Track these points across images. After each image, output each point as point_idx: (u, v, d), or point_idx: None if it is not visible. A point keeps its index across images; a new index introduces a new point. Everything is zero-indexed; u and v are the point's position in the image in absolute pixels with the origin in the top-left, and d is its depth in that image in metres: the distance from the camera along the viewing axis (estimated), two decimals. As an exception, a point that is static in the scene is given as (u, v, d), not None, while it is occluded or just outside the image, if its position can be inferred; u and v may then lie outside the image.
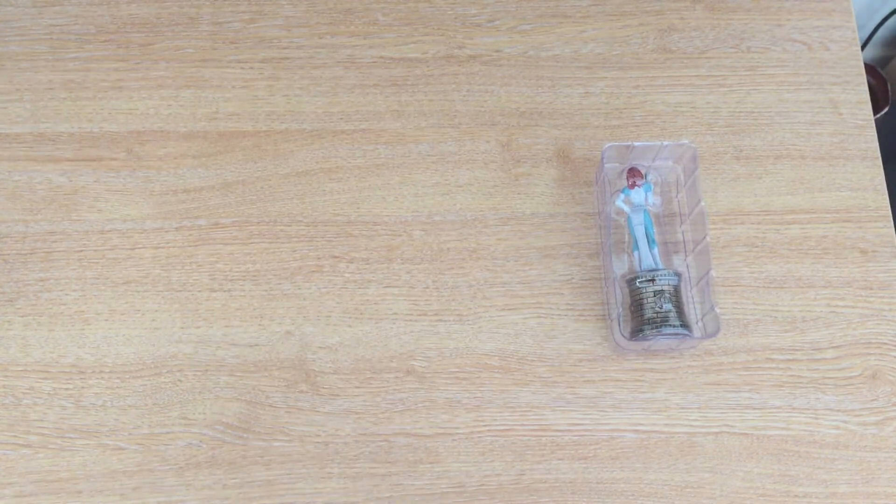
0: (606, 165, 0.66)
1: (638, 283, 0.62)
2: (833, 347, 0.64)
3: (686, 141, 0.65)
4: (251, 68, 0.71)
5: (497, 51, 0.73)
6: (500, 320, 0.64)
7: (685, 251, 0.66)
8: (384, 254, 0.66)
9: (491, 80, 0.72)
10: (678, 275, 0.62)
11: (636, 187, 0.65)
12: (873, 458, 0.61)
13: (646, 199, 0.66)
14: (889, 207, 0.68)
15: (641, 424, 0.61)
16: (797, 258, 0.66)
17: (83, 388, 0.62)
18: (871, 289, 0.65)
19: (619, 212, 0.66)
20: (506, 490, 0.60)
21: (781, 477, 0.60)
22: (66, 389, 0.61)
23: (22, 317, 0.63)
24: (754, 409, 0.62)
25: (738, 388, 0.62)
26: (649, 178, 0.66)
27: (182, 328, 0.63)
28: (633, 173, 0.66)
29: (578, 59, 0.72)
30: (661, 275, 0.61)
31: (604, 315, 0.64)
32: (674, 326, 0.60)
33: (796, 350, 0.64)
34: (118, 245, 0.66)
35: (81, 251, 0.65)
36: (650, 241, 0.64)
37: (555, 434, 0.61)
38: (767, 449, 0.61)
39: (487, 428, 0.61)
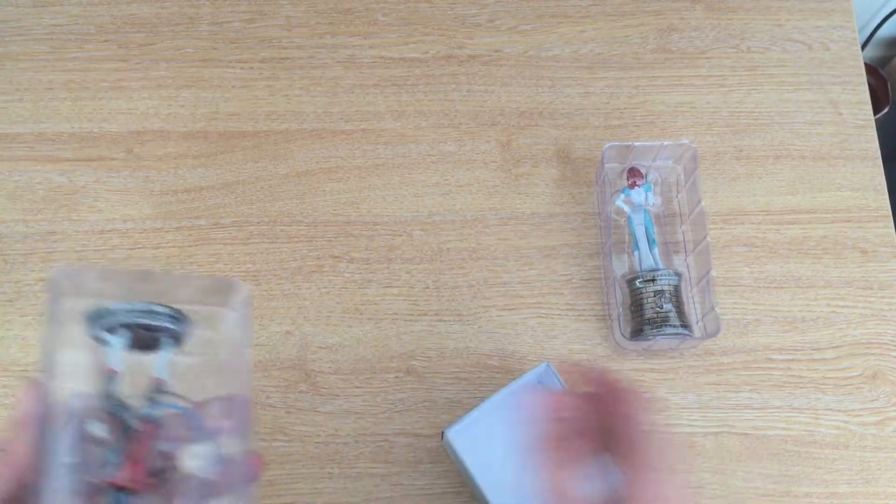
0: (606, 165, 0.66)
1: (638, 283, 0.62)
2: (833, 347, 0.64)
3: (686, 141, 0.65)
4: (251, 68, 0.71)
5: (497, 51, 0.73)
6: (500, 320, 0.64)
7: (685, 251, 0.66)
8: (384, 254, 0.66)
9: (491, 80, 0.72)
10: (678, 275, 0.62)
11: (636, 187, 0.65)
12: (873, 458, 0.61)
13: (646, 198, 0.66)
14: (889, 207, 0.68)
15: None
16: (797, 258, 0.66)
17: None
18: (872, 289, 0.65)
19: (620, 212, 0.66)
20: (506, 490, 0.60)
21: (782, 477, 0.60)
22: (66, 389, 0.61)
23: (22, 317, 0.63)
24: (754, 409, 0.62)
25: (738, 388, 0.62)
26: (649, 178, 0.66)
27: (182, 328, 0.63)
28: (634, 173, 0.66)
29: (578, 59, 0.72)
30: (661, 275, 0.61)
31: (604, 315, 0.64)
32: (674, 326, 0.60)
33: (796, 350, 0.64)
34: (118, 245, 0.66)
35: (81, 251, 0.65)
36: (650, 241, 0.64)
37: (555, 434, 0.61)
38: (768, 449, 0.61)
39: (487, 428, 0.61)
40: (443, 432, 0.56)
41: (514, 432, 0.55)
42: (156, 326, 0.33)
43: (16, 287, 0.64)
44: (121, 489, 0.32)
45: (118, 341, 0.33)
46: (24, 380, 0.33)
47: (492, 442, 0.58)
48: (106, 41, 0.72)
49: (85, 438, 0.32)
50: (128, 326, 0.33)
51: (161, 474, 0.33)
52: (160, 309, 0.33)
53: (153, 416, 0.33)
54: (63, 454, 0.31)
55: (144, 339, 0.33)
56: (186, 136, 0.69)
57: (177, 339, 0.34)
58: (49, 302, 0.32)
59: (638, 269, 0.63)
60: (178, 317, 0.34)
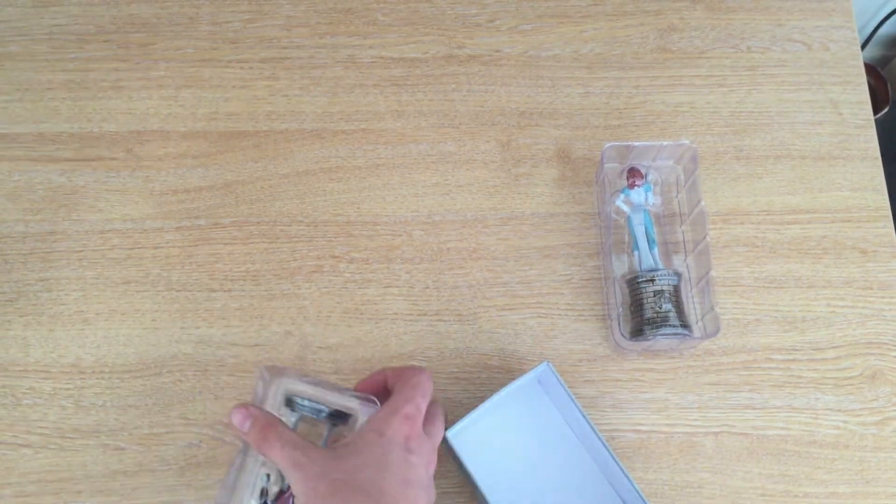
0: (606, 165, 0.66)
1: (638, 283, 0.62)
2: (833, 347, 0.64)
3: (686, 141, 0.65)
4: (251, 68, 0.71)
5: (497, 51, 0.73)
6: (500, 320, 0.64)
7: (685, 251, 0.66)
8: (384, 254, 0.66)
9: (491, 80, 0.72)
10: (678, 275, 0.62)
11: (636, 187, 0.65)
12: (873, 458, 0.61)
13: (646, 199, 0.65)
14: (889, 207, 0.68)
15: (641, 424, 0.61)
16: (797, 258, 0.66)
17: (83, 388, 0.62)
18: (872, 289, 0.65)
19: (619, 212, 0.66)
20: (506, 490, 0.60)
21: (781, 477, 0.60)
22: (67, 389, 0.61)
23: (22, 317, 0.63)
24: (754, 409, 0.62)
25: (738, 388, 0.62)
26: (649, 178, 0.66)
27: (182, 328, 0.63)
28: (633, 173, 0.66)
29: (578, 59, 0.72)
30: (661, 275, 0.61)
31: (604, 315, 0.64)
32: (674, 326, 0.60)
33: (796, 350, 0.64)
34: (118, 245, 0.66)
35: (81, 251, 0.65)
36: (650, 241, 0.64)
37: (555, 434, 0.61)
38: (767, 449, 0.61)
39: (487, 428, 0.61)
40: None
41: (513, 432, 0.56)
42: (319, 420, 0.52)
43: (16, 287, 0.64)
44: None
45: (293, 418, 0.52)
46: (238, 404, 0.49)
47: (492, 442, 0.59)
48: (106, 41, 0.72)
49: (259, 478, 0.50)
50: (303, 409, 0.52)
51: None
52: (324, 408, 0.51)
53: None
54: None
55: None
56: (186, 136, 0.69)
57: (336, 424, 0.52)
58: (257, 382, 0.52)
59: (638, 269, 0.63)
60: (336, 415, 0.51)
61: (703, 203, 0.63)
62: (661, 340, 0.60)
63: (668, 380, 0.63)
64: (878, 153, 0.70)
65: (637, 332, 0.61)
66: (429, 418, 0.50)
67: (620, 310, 0.62)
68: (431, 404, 0.51)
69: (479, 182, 0.68)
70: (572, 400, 0.56)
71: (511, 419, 0.60)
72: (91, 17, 0.73)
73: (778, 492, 0.60)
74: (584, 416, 0.56)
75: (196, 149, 0.69)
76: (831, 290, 0.65)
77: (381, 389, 0.52)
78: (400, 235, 0.66)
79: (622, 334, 0.61)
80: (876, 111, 1.25)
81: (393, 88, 0.71)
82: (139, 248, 0.66)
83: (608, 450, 0.56)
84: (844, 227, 0.67)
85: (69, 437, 0.60)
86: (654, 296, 0.61)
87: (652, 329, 0.60)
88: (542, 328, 0.64)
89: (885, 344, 0.64)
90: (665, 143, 0.65)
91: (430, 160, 0.69)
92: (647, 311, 0.61)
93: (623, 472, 0.55)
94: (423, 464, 0.48)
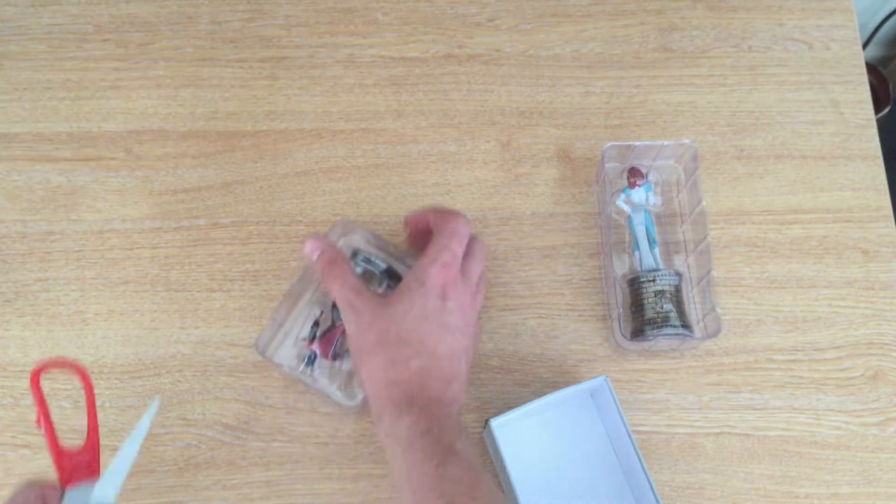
0: (607, 165, 0.66)
1: (639, 284, 0.61)
2: (834, 348, 0.63)
3: (687, 140, 0.65)
4: (250, 68, 0.71)
5: (497, 50, 0.72)
6: (500, 320, 0.64)
7: (686, 251, 0.65)
8: (384, 254, 0.65)
9: (491, 80, 0.71)
10: (679, 275, 0.62)
11: (637, 187, 0.65)
12: (875, 458, 0.61)
13: (646, 198, 0.65)
14: (891, 207, 0.68)
15: (642, 425, 0.61)
16: (798, 258, 0.66)
17: (82, 388, 0.61)
18: (873, 289, 0.65)
19: (620, 211, 0.66)
20: (506, 491, 0.60)
21: (782, 478, 0.60)
22: (65, 390, 0.61)
23: (20, 317, 0.63)
24: (755, 409, 0.62)
25: (739, 389, 0.62)
26: (650, 177, 0.66)
27: (181, 328, 0.63)
28: (634, 173, 0.65)
29: (579, 59, 0.72)
30: (661, 275, 0.61)
31: (604, 315, 0.64)
32: (675, 327, 0.60)
33: (797, 350, 0.63)
34: (117, 245, 0.65)
35: (80, 251, 0.65)
36: (651, 241, 0.64)
37: (555, 435, 0.61)
38: (768, 450, 0.61)
39: (487, 429, 0.61)
40: (487, 421, 0.56)
41: (555, 435, 0.60)
42: (376, 274, 0.60)
43: (14, 287, 0.64)
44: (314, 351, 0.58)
45: (358, 269, 0.60)
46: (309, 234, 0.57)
47: (532, 439, 0.59)
48: (105, 40, 0.72)
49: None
50: (364, 264, 0.60)
51: (338, 356, 0.58)
52: (381, 265, 0.60)
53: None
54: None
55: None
56: (185, 136, 0.69)
57: (390, 283, 0.60)
58: (330, 232, 0.60)
59: (638, 269, 0.63)
60: (390, 273, 0.60)
61: (703, 203, 0.62)
62: (661, 341, 0.60)
63: (668, 380, 0.62)
64: (879, 153, 0.69)
65: (638, 333, 0.61)
66: (467, 256, 0.53)
67: (621, 310, 0.62)
68: (471, 241, 0.54)
69: (479, 182, 0.68)
70: (622, 418, 0.56)
71: (556, 422, 0.60)
72: (90, 16, 0.73)
73: (779, 493, 0.60)
74: (629, 437, 0.56)
75: (195, 148, 0.68)
76: (833, 291, 0.65)
77: (425, 227, 0.56)
78: (400, 235, 0.66)
79: (623, 334, 0.61)
80: (877, 111, 1.25)
81: (393, 88, 0.71)
82: (138, 248, 0.65)
83: (647, 475, 0.55)
84: (846, 227, 0.67)
85: (68, 438, 0.60)
86: (655, 296, 0.61)
87: (653, 329, 0.60)
88: (543, 328, 0.64)
89: (887, 344, 0.63)
90: (666, 142, 0.64)
91: (430, 160, 0.69)
92: (647, 312, 0.61)
93: (656, 498, 0.54)
94: (459, 308, 0.51)
